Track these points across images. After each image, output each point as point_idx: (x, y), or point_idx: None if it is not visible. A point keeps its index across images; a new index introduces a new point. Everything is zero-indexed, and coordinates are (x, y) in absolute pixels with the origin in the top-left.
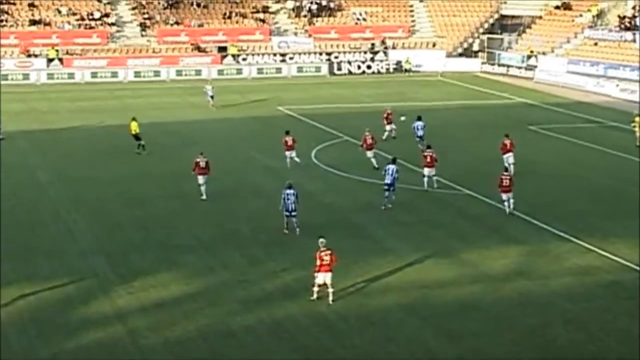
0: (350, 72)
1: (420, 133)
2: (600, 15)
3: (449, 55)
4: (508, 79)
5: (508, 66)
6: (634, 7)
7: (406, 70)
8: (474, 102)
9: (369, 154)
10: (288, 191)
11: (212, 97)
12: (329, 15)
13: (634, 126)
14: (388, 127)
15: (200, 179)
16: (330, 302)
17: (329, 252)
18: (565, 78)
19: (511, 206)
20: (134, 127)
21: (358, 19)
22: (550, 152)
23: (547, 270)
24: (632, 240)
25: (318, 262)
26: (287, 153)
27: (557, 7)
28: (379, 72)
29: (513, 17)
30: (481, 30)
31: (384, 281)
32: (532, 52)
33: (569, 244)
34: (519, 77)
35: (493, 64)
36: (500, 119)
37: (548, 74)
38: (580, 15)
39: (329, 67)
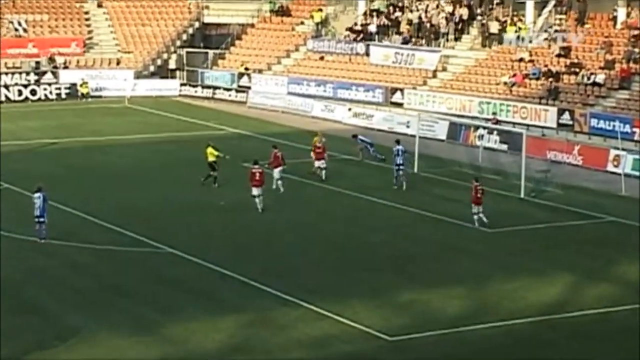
0: (8, 99)
1: (399, 160)
2: (325, 22)
3: (139, 75)
4: (215, 104)
5: (215, 88)
6: (365, 13)
7: (83, 96)
8: (173, 134)
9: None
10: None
11: None
12: None
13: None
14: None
15: None
16: None
17: None
18: (287, 101)
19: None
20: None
21: (17, 30)
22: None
23: (271, 343)
24: (372, 300)
25: None
26: None
27: (273, 11)
28: (47, 99)
29: (219, 25)
30: (179, 43)
31: None
32: (247, 69)
33: (298, 310)
34: (229, 101)
35: (196, 86)
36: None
37: (265, 97)
38: (302, 23)
39: None
